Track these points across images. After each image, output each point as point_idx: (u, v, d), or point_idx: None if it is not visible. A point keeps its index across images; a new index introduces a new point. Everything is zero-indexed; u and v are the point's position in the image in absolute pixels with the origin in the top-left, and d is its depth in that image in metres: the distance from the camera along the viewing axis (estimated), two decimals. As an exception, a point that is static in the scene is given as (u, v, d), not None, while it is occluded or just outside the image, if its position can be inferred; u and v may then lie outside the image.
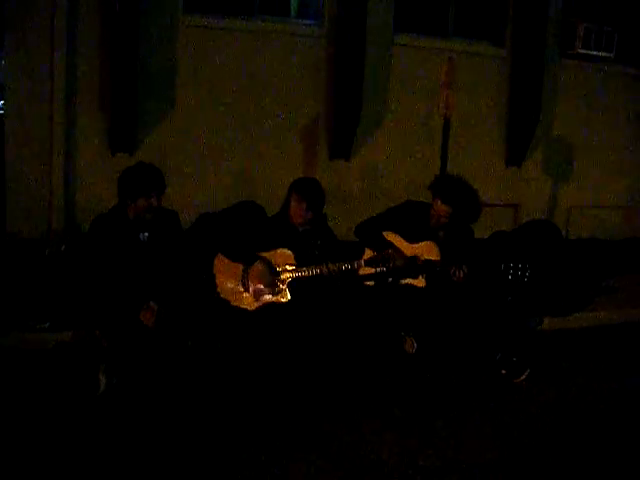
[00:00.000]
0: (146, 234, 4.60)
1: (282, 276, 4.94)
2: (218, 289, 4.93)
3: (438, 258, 5.20)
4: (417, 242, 5.24)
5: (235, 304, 4.92)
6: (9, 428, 3.95)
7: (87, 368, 4.50)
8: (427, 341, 5.22)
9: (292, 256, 4.97)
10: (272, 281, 4.91)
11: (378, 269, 5.16)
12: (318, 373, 4.88)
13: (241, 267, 4.96)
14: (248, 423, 4.19)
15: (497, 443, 4.16)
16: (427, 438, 4.17)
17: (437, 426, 4.32)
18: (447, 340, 5.29)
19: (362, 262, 5.05)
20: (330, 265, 4.89)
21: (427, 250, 5.22)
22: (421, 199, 5.48)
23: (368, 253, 5.24)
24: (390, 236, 5.28)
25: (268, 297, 4.93)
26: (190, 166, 7.30)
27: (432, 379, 5.01)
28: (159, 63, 7.13)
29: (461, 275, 4.95)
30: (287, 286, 4.94)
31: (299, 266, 4.94)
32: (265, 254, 4.97)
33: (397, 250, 5.16)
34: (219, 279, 4.96)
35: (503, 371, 5.13)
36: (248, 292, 4.94)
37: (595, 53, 8.66)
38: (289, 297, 4.92)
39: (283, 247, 4.98)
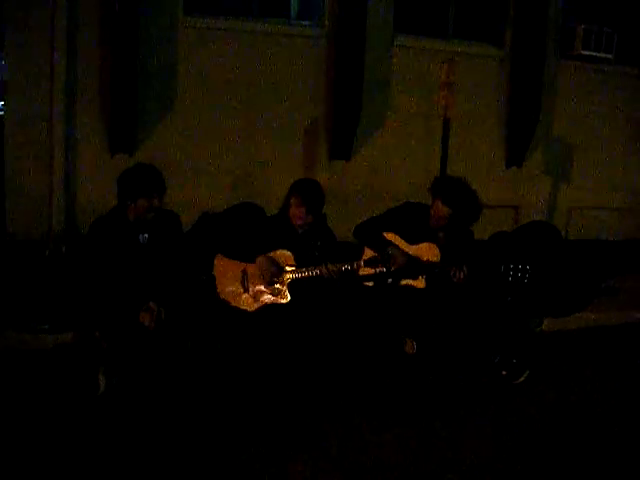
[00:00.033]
0: (146, 235, 4.59)
1: (282, 277, 4.94)
2: (218, 290, 4.93)
3: (438, 259, 5.20)
4: (417, 243, 5.24)
5: (235, 305, 4.92)
6: (9, 429, 3.95)
7: (87, 369, 4.50)
8: (427, 342, 5.22)
9: (292, 257, 4.97)
10: (273, 278, 4.92)
11: (378, 269, 5.15)
12: (318, 374, 4.88)
13: (241, 268, 4.96)
14: (248, 423, 4.19)
15: (497, 444, 4.17)
16: (427, 439, 4.17)
17: (437, 427, 4.32)
18: (447, 341, 5.28)
19: (362, 262, 5.05)
20: (330, 266, 4.89)
21: (427, 251, 5.22)
22: (421, 200, 5.47)
23: (367, 254, 5.24)
24: (390, 237, 5.28)
25: (268, 297, 4.93)
26: (190, 167, 7.30)
27: (432, 380, 5.01)
28: (159, 64, 7.13)
29: (461, 276, 4.95)
30: (287, 287, 4.94)
31: (299, 267, 4.94)
32: (265, 255, 4.97)
33: (397, 248, 5.17)
34: (219, 280, 4.96)
35: (503, 372, 5.13)
36: (248, 293, 4.94)
37: (595, 54, 8.66)
38: (289, 298, 4.92)
39: (283, 248, 4.98)
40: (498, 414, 4.58)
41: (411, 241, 5.25)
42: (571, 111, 9.04)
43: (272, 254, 4.97)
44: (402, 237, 5.28)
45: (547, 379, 5.19)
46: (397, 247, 5.19)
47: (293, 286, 4.94)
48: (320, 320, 4.97)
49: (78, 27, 6.79)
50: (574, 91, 9.02)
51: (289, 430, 4.17)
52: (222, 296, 4.93)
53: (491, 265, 5.06)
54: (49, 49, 6.69)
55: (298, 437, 4.09)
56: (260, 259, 4.92)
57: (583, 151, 9.18)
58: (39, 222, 6.87)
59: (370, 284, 5.30)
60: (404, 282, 5.23)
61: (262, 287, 4.94)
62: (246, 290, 4.94)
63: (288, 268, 4.95)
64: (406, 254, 5.16)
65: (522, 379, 5.07)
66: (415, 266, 5.15)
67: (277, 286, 4.94)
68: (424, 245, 5.23)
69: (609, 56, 8.75)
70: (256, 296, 4.93)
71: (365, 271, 5.20)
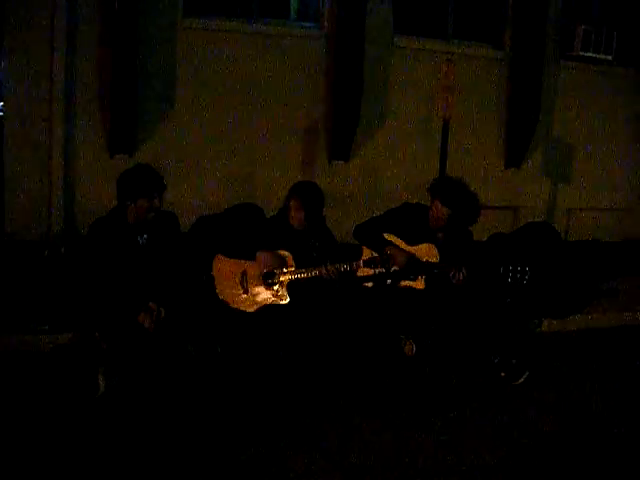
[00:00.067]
0: (145, 237, 4.59)
1: (281, 278, 4.95)
2: (217, 291, 4.93)
3: (437, 260, 5.20)
4: (416, 244, 5.24)
5: (234, 306, 4.92)
6: (8, 430, 3.95)
7: (86, 370, 4.50)
8: (426, 343, 5.22)
9: (291, 258, 4.97)
10: (272, 279, 4.92)
11: (377, 270, 5.16)
12: (318, 374, 4.89)
13: (240, 269, 4.96)
14: (248, 423, 4.20)
15: (496, 445, 4.17)
16: (426, 440, 4.17)
17: (436, 428, 4.33)
18: (446, 342, 5.29)
19: (361, 263, 5.05)
20: (329, 266, 4.89)
21: (426, 252, 5.22)
22: (420, 201, 5.48)
23: (366, 254, 5.24)
24: (389, 238, 5.28)
25: (268, 298, 4.93)
26: (189, 167, 7.30)
27: (431, 381, 5.01)
28: (159, 65, 7.13)
29: (460, 278, 4.95)
30: (286, 288, 4.94)
31: (298, 268, 4.94)
32: (264, 255, 4.98)
33: (396, 248, 5.17)
34: (218, 281, 4.96)
35: (502, 373, 5.13)
36: (247, 294, 4.94)
37: (594, 55, 8.67)
38: (288, 299, 4.93)
39: (281, 248, 4.98)
40: (497, 415, 4.58)
41: (410, 242, 5.26)
42: (570, 112, 9.04)
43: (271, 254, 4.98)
44: (401, 238, 5.28)
45: (546, 380, 5.19)
46: (396, 246, 5.20)
47: (292, 287, 4.93)
48: (319, 321, 4.98)
49: (78, 27, 6.79)
50: (573, 92, 9.02)
51: (289, 430, 4.17)
52: (221, 297, 4.93)
53: (490, 266, 5.06)
54: (49, 49, 6.69)
55: (298, 437, 4.09)
56: (261, 254, 4.92)
57: (582, 152, 9.19)
58: (38, 223, 6.87)
59: (369, 285, 5.30)
60: (403, 283, 5.24)
61: (261, 288, 4.94)
62: (245, 291, 4.94)
63: (287, 269, 4.95)
64: (405, 252, 5.17)
65: (521, 380, 5.06)
66: (414, 266, 5.15)
67: (276, 287, 4.94)
68: (423, 246, 5.24)
69: (608, 57, 8.76)
70: (255, 297, 4.93)
71: (364, 272, 5.21)
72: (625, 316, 6.90)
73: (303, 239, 5.08)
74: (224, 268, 4.99)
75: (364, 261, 5.05)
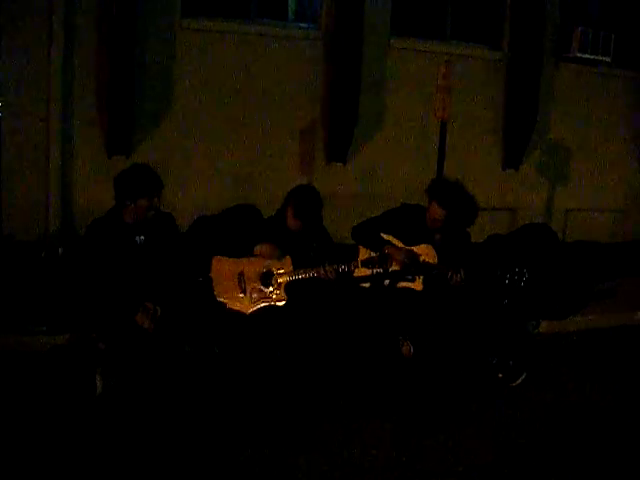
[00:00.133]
0: (142, 237, 4.59)
1: (279, 279, 4.95)
2: (215, 292, 4.93)
3: (434, 261, 5.21)
4: (414, 245, 5.25)
5: (232, 307, 4.91)
6: (7, 430, 3.95)
7: (84, 371, 4.50)
8: (424, 344, 5.22)
9: (289, 259, 4.98)
10: (270, 280, 4.92)
11: (375, 270, 5.16)
12: (317, 375, 4.89)
13: (238, 270, 4.96)
14: (247, 424, 4.20)
15: (494, 446, 4.17)
16: (425, 440, 4.17)
17: (435, 429, 4.33)
18: (444, 344, 5.29)
19: (359, 263, 5.06)
20: (327, 267, 4.90)
21: (424, 253, 5.23)
22: (419, 202, 5.48)
23: (363, 254, 5.24)
24: (387, 238, 5.28)
25: (266, 299, 4.93)
26: (187, 169, 7.30)
27: (430, 382, 5.01)
28: (157, 66, 7.12)
29: (458, 279, 4.96)
30: (284, 288, 4.94)
31: (296, 268, 4.95)
32: (262, 257, 4.98)
33: (394, 247, 5.18)
34: (216, 282, 4.96)
35: (500, 375, 5.13)
36: (245, 295, 4.94)
37: (592, 57, 8.66)
38: (286, 299, 4.93)
39: (280, 249, 4.99)
40: (495, 416, 4.59)
41: (408, 243, 5.26)
42: (568, 113, 9.05)
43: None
44: (399, 239, 5.29)
45: (545, 381, 5.20)
46: (394, 245, 5.20)
47: (290, 288, 4.94)
48: (317, 322, 4.98)
49: (75, 28, 6.78)
50: (571, 93, 9.03)
51: (289, 431, 4.17)
52: (220, 298, 4.92)
53: (488, 268, 5.07)
54: (47, 50, 6.68)
55: (298, 438, 4.10)
56: (259, 246, 4.93)
57: (580, 153, 9.19)
58: (36, 223, 6.86)
59: (367, 285, 5.30)
60: (401, 284, 5.24)
61: (259, 289, 4.94)
62: (243, 292, 4.94)
63: (285, 270, 4.95)
64: (403, 249, 5.17)
65: (519, 381, 5.07)
66: (412, 266, 5.16)
67: (274, 288, 4.94)
68: (421, 247, 5.24)
69: (606, 59, 8.76)
70: (253, 298, 4.93)
71: (362, 272, 5.21)
72: (623, 317, 6.90)
73: (300, 240, 5.08)
74: (222, 269, 4.98)
75: (362, 261, 5.06)
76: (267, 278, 4.96)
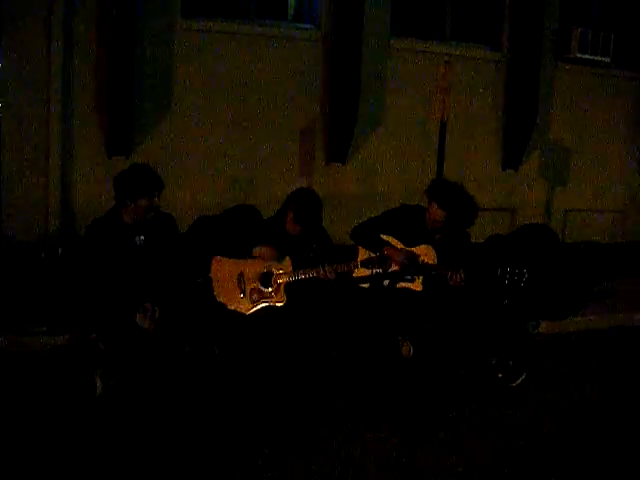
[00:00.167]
0: (142, 237, 4.59)
1: (278, 279, 4.95)
2: (215, 292, 4.93)
3: (434, 261, 5.21)
4: (413, 245, 5.25)
5: (232, 307, 4.91)
6: (6, 431, 3.95)
7: (84, 371, 4.50)
8: (424, 345, 5.22)
9: (289, 259, 4.98)
10: (269, 280, 4.92)
11: (374, 270, 5.16)
12: (315, 376, 4.89)
13: (238, 270, 4.96)
14: (246, 425, 4.20)
15: (494, 446, 4.17)
16: (424, 441, 4.17)
17: (434, 429, 4.33)
18: (444, 344, 5.29)
19: (358, 263, 5.06)
20: (326, 267, 4.90)
21: (424, 253, 5.23)
22: (419, 203, 5.48)
23: (363, 255, 5.24)
24: (387, 239, 5.28)
25: (265, 300, 4.93)
26: (187, 169, 7.30)
27: (429, 382, 5.01)
28: (156, 66, 7.13)
29: (458, 279, 4.96)
30: (284, 289, 4.94)
31: (295, 269, 4.95)
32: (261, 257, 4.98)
33: (394, 248, 5.18)
34: (216, 282, 4.96)
35: (499, 375, 5.13)
36: (245, 295, 4.94)
37: (591, 57, 8.68)
38: (286, 300, 4.93)
39: (279, 250, 4.99)
40: (495, 416, 4.59)
41: (408, 243, 5.26)
42: (568, 114, 9.06)
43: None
44: (399, 239, 5.29)
45: (545, 381, 5.20)
46: (393, 247, 5.20)
47: (290, 288, 4.94)
48: (317, 322, 4.98)
49: (75, 29, 6.78)
50: (571, 94, 9.04)
51: (288, 432, 4.17)
52: (219, 298, 4.92)
53: (488, 268, 5.07)
54: (46, 51, 6.68)
55: (297, 438, 4.10)
56: (258, 248, 4.93)
57: (579, 154, 9.20)
58: (36, 224, 6.86)
59: (366, 285, 5.30)
60: (401, 285, 5.24)
61: (259, 289, 4.94)
62: (243, 292, 4.94)
63: (284, 270, 4.96)
64: (402, 251, 5.18)
65: (519, 382, 5.07)
66: (411, 266, 5.16)
67: (274, 288, 4.94)
68: (421, 247, 5.25)
69: (606, 59, 8.77)
70: (253, 298, 4.93)
71: (361, 272, 5.21)
72: (623, 317, 6.90)
73: (300, 241, 5.09)
74: (222, 270, 4.98)
75: (361, 262, 5.06)
76: (267, 279, 4.96)
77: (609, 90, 9.26)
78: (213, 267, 4.98)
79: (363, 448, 4.03)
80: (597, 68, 8.96)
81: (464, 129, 8.23)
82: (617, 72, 9.19)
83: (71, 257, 6.28)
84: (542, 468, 3.95)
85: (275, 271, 4.96)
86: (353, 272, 5.17)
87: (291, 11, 7.92)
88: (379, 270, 5.15)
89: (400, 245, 5.26)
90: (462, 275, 4.96)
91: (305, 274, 4.92)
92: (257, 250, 4.96)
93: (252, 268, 4.97)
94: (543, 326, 6.46)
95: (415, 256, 5.19)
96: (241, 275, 4.96)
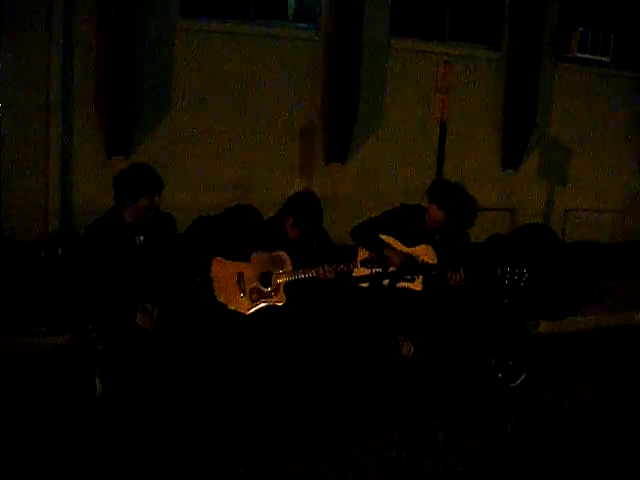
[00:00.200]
0: (142, 237, 4.58)
1: (278, 279, 4.95)
2: (215, 293, 4.93)
3: (434, 261, 5.20)
4: (413, 245, 5.25)
5: (232, 307, 4.91)
6: (6, 431, 3.94)
7: (83, 372, 4.50)
8: (424, 345, 5.22)
9: (288, 259, 4.98)
10: (269, 280, 4.93)
11: (374, 270, 5.16)
12: (315, 376, 4.88)
13: (238, 270, 4.96)
14: (246, 425, 4.19)
15: (494, 446, 4.17)
16: (424, 441, 4.17)
17: (434, 429, 4.32)
18: (444, 344, 5.29)
19: (357, 262, 5.06)
20: (326, 267, 4.90)
21: (423, 253, 5.23)
22: (420, 202, 5.48)
23: (362, 254, 5.24)
24: (387, 239, 5.28)
25: (265, 299, 4.93)
26: (187, 169, 7.31)
27: (429, 382, 5.01)
28: (156, 66, 7.14)
29: (458, 279, 4.95)
30: (283, 289, 4.94)
31: (295, 268, 4.95)
32: (261, 257, 4.98)
33: (393, 250, 5.18)
34: (216, 282, 4.96)
35: (499, 375, 5.13)
36: (244, 295, 4.94)
37: (591, 57, 8.68)
38: (285, 300, 4.93)
39: (279, 249, 4.99)
40: (495, 415, 4.58)
41: (407, 243, 5.26)
42: (567, 113, 9.06)
43: (268, 255, 4.98)
44: (398, 239, 5.28)
45: (545, 381, 5.19)
46: (393, 249, 5.20)
47: (289, 288, 4.94)
48: (317, 322, 4.98)
49: (75, 29, 6.80)
50: (570, 94, 9.04)
51: (288, 432, 4.17)
52: (219, 299, 4.92)
53: (487, 268, 5.07)
54: (46, 51, 6.69)
55: (297, 438, 4.09)
56: (256, 255, 4.93)
57: (579, 153, 9.21)
58: (35, 224, 6.87)
59: (365, 285, 5.30)
60: (401, 285, 5.24)
61: (259, 289, 4.94)
62: (243, 292, 4.94)
63: (284, 270, 4.96)
64: (402, 253, 5.17)
65: (519, 382, 5.06)
66: (411, 266, 5.16)
67: (273, 288, 4.94)
68: (420, 247, 5.24)
69: (605, 59, 8.77)
70: (252, 298, 4.93)
71: (361, 272, 5.21)
72: (623, 317, 6.90)
73: (300, 241, 5.09)
74: (222, 270, 4.98)
75: (361, 261, 5.06)
76: (266, 278, 4.95)
77: (609, 90, 9.26)
78: (213, 267, 4.98)
79: (363, 448, 4.03)
80: (597, 68, 8.96)
81: (464, 129, 8.24)
82: (617, 72, 9.20)
83: (71, 257, 6.28)
84: (542, 468, 3.95)
85: (275, 271, 4.96)
86: (353, 272, 5.16)
87: (291, 11, 7.92)
88: (378, 270, 5.15)
89: (400, 245, 5.26)
90: (462, 275, 4.96)
91: (305, 274, 4.92)
92: (254, 257, 4.96)
93: (252, 268, 4.97)
94: (543, 326, 6.47)
95: (414, 258, 5.19)
96: (241, 275, 4.96)
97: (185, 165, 7.30)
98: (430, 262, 5.18)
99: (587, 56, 8.66)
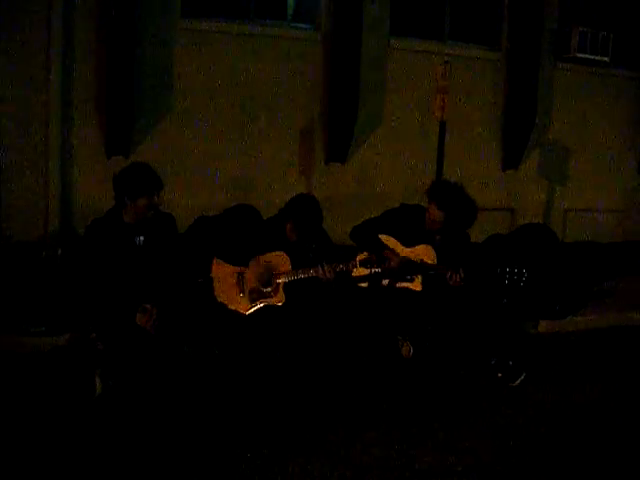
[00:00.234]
0: (142, 237, 4.57)
1: (278, 279, 4.95)
2: (215, 293, 4.93)
3: (434, 261, 5.21)
4: (413, 245, 5.25)
5: (232, 308, 4.91)
6: (6, 431, 3.94)
7: (83, 372, 4.50)
8: (424, 345, 5.22)
9: (287, 258, 4.98)
10: (269, 280, 4.93)
11: (373, 270, 5.16)
12: (315, 376, 4.89)
13: (237, 270, 4.97)
14: (246, 425, 4.19)
15: (494, 446, 4.17)
16: (424, 441, 4.17)
17: (434, 429, 4.32)
18: (444, 344, 5.29)
19: (357, 262, 5.06)
20: (325, 266, 4.91)
21: (423, 253, 5.23)
22: (417, 202, 5.48)
23: (362, 254, 5.24)
24: (386, 239, 5.29)
25: (264, 299, 4.93)
26: (186, 169, 7.30)
27: (429, 382, 5.01)
28: (156, 66, 7.13)
29: (458, 279, 4.96)
30: (282, 289, 4.95)
31: (294, 268, 4.95)
32: (261, 257, 4.98)
33: (393, 252, 5.19)
34: (216, 283, 4.96)
35: (499, 374, 5.14)
36: (244, 295, 4.94)
37: (591, 57, 8.69)
38: (285, 300, 4.93)
39: (278, 250, 4.99)
40: (495, 415, 4.58)
41: (407, 243, 5.26)
42: (567, 113, 9.07)
43: (268, 256, 4.98)
44: (398, 239, 5.29)
45: (544, 381, 5.19)
46: (392, 250, 5.20)
47: (289, 288, 4.94)
48: (317, 322, 4.98)
49: (75, 29, 6.79)
50: (570, 93, 9.04)
51: (288, 432, 4.16)
52: (220, 299, 4.92)
53: (487, 268, 5.07)
54: (46, 51, 6.69)
55: (297, 438, 4.09)
56: (253, 263, 4.93)
57: (579, 153, 9.21)
58: (35, 224, 6.86)
59: (364, 285, 5.30)
60: (401, 285, 5.24)
61: (258, 289, 4.94)
62: (243, 292, 4.94)
63: (283, 269, 4.96)
64: (401, 257, 5.17)
65: (518, 382, 5.07)
66: (409, 267, 5.16)
67: (273, 288, 4.94)
68: (420, 247, 5.24)
69: (605, 59, 8.78)
70: (252, 298, 4.93)
71: (360, 272, 5.21)
72: (623, 317, 6.91)
73: (299, 242, 5.09)
74: (222, 270, 4.98)
75: (360, 261, 5.06)
76: (266, 278, 4.96)
77: (608, 90, 9.27)
78: (214, 267, 4.98)
79: (363, 448, 4.03)
80: (596, 68, 8.97)
81: (463, 129, 8.24)
82: (616, 72, 9.20)
83: (71, 257, 6.28)
84: (542, 468, 3.95)
85: (274, 271, 4.96)
86: (352, 272, 5.17)
87: (290, 11, 7.92)
88: (378, 270, 5.15)
89: (400, 245, 5.26)
90: (462, 275, 4.96)
91: (304, 273, 4.92)
92: (251, 265, 4.96)
93: (251, 268, 4.97)
94: (543, 326, 6.47)
95: (412, 261, 5.19)
96: (241, 275, 4.96)
97: (185, 165, 7.29)
98: (430, 262, 5.19)
99: (587, 56, 8.67)
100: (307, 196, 5.34)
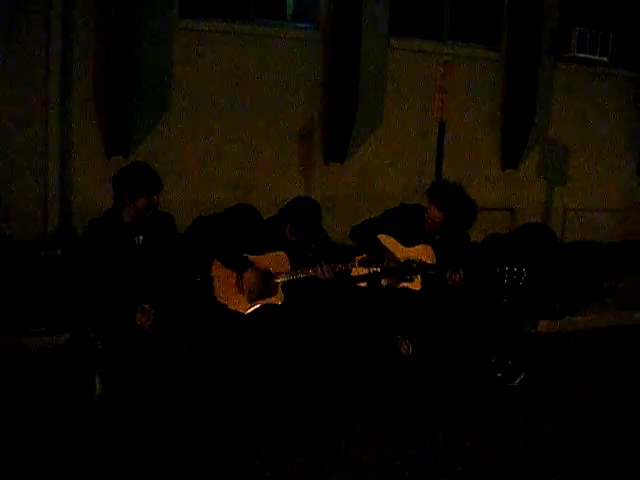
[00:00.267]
0: (141, 237, 4.57)
1: (277, 279, 4.95)
2: (215, 293, 4.93)
3: (433, 261, 5.21)
4: (412, 245, 5.25)
5: (231, 307, 4.91)
6: (5, 431, 3.94)
7: (83, 372, 4.50)
8: (423, 344, 5.22)
9: (287, 258, 4.98)
10: (264, 288, 4.92)
11: (372, 269, 5.16)
12: (315, 376, 4.89)
13: (236, 272, 4.97)
14: (246, 424, 4.19)
15: (493, 445, 4.17)
16: (423, 440, 4.17)
17: (433, 428, 4.32)
18: (443, 343, 5.29)
19: (356, 262, 5.06)
20: (324, 266, 4.91)
21: (423, 253, 5.23)
22: (417, 202, 5.48)
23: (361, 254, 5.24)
24: (386, 239, 5.29)
25: (264, 299, 4.93)
26: (185, 169, 7.30)
27: (428, 382, 5.01)
28: (155, 66, 7.13)
29: (457, 279, 4.96)
30: (282, 288, 4.94)
31: (293, 268, 4.95)
32: (260, 257, 4.98)
33: (391, 254, 5.19)
34: (216, 282, 4.96)
35: (498, 374, 5.14)
36: (244, 295, 4.94)
37: (590, 56, 8.69)
38: (284, 299, 4.93)
39: (278, 250, 4.99)
40: (494, 415, 4.58)
41: (407, 243, 5.26)
42: (567, 113, 9.06)
43: (267, 255, 4.98)
44: (398, 239, 5.29)
45: (544, 381, 5.20)
46: (391, 252, 5.21)
47: (288, 287, 4.94)
48: (316, 322, 4.98)
49: (74, 29, 6.79)
50: (569, 93, 9.04)
51: (288, 431, 4.17)
52: (219, 299, 4.92)
53: (486, 267, 5.07)
54: (45, 51, 6.69)
55: (297, 438, 4.09)
56: (249, 274, 4.92)
57: (579, 153, 9.21)
58: (34, 224, 6.86)
59: (364, 284, 5.30)
60: (401, 284, 5.24)
61: (258, 289, 4.93)
62: (242, 292, 4.94)
63: (283, 269, 4.96)
64: (400, 257, 5.18)
65: (518, 381, 5.07)
66: (409, 267, 5.16)
67: (272, 288, 4.94)
68: (420, 247, 5.24)
69: (604, 58, 8.78)
70: (251, 298, 4.93)
71: (359, 271, 5.21)
72: (623, 316, 6.91)
73: (298, 243, 5.09)
74: (222, 269, 4.98)
75: (359, 261, 5.06)
76: (265, 278, 4.95)
77: (608, 89, 9.27)
78: (214, 267, 4.98)
79: (363, 448, 4.03)
80: (596, 67, 8.97)
81: (463, 129, 8.24)
82: (616, 71, 9.20)
83: (70, 257, 6.28)
84: (542, 468, 3.95)
85: (273, 270, 4.96)
86: (351, 271, 5.17)
87: (290, 11, 7.91)
88: (377, 269, 5.15)
89: (399, 245, 5.26)
90: (461, 274, 4.96)
91: (303, 273, 4.92)
92: (254, 257, 4.96)
93: (251, 268, 4.97)
94: (542, 325, 6.47)
95: (411, 261, 5.19)
96: (240, 276, 4.96)
97: (185, 165, 7.29)
98: (429, 262, 5.19)
99: (586, 56, 8.67)
100: (306, 198, 5.34)
